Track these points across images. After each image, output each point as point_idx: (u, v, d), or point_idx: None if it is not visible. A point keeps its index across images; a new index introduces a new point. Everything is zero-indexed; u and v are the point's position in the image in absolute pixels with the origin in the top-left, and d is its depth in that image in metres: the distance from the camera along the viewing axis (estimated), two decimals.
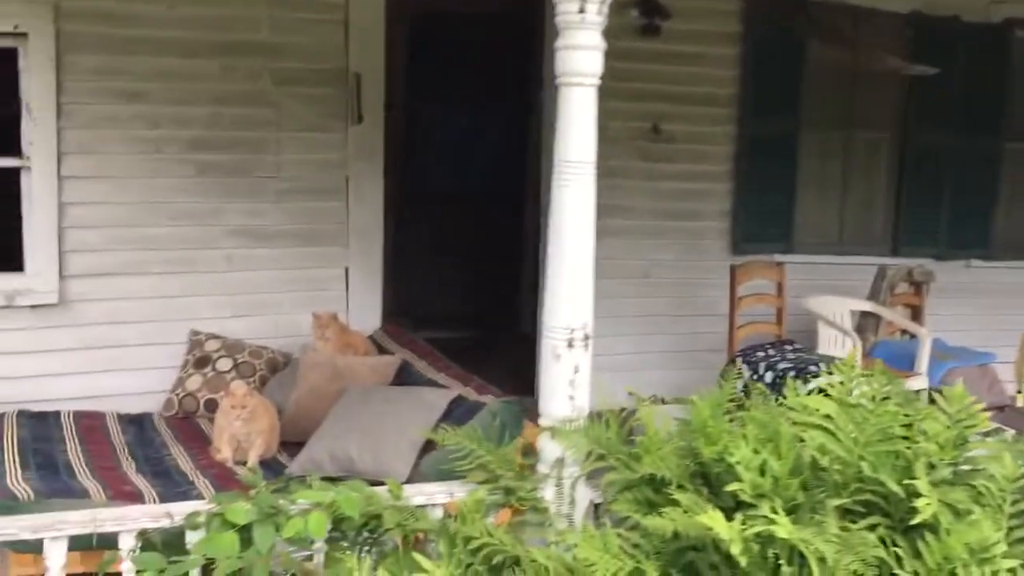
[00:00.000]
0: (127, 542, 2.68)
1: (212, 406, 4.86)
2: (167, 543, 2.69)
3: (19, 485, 3.68)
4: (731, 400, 2.89)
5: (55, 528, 2.59)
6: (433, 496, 3.04)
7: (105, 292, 4.95)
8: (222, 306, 5.16)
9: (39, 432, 4.45)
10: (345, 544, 2.83)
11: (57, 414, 4.70)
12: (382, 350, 5.21)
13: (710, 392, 2.88)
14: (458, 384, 4.57)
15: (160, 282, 5.08)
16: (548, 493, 3.04)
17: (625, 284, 6.12)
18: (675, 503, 2.45)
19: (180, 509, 2.75)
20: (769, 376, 5.19)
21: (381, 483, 3.74)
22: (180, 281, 5.12)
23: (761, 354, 5.42)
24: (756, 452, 2.47)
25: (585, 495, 3.06)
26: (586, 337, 3.04)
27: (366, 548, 2.85)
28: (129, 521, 2.69)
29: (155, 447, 4.51)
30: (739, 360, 5.47)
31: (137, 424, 4.80)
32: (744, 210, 6.22)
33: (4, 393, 4.83)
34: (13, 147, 4.81)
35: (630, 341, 6.13)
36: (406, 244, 7.06)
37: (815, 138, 6.43)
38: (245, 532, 2.72)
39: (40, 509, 3.49)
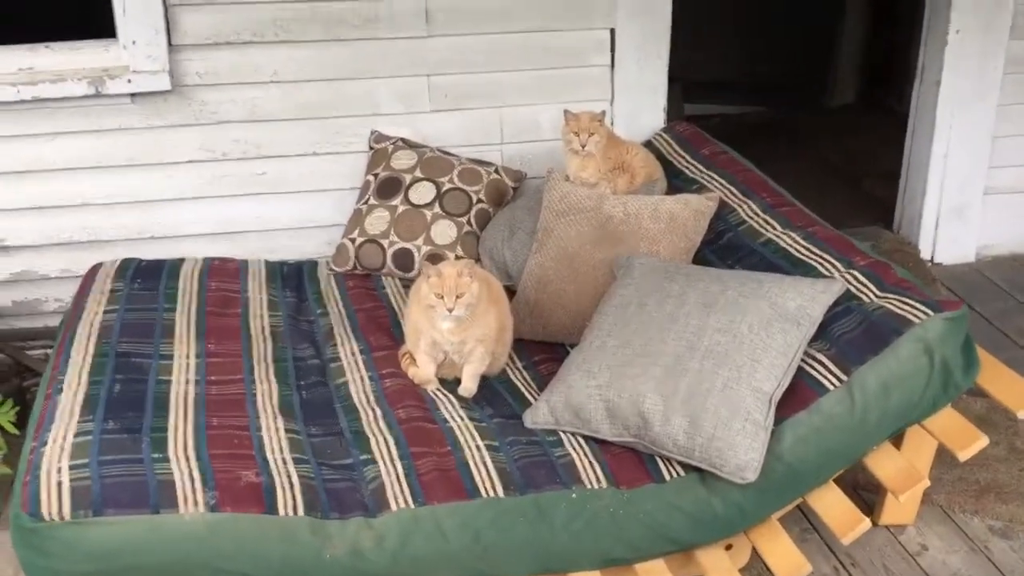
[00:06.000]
0: None
1: (404, 261, 3.14)
2: None
3: (59, 466, 2.01)
4: None
5: None
6: None
7: (239, 72, 3.23)
8: (417, 95, 3.37)
9: (138, 307, 2.83)
10: None
11: (177, 265, 3.12)
12: (673, 175, 3.18)
13: None
14: (831, 257, 2.57)
15: (321, 56, 3.26)
16: None
17: None
18: None
19: None
20: None
21: (698, 469, 2.20)
22: (352, 54, 3.28)
23: None
24: None
25: None
26: None
27: None
28: None
29: (315, 340, 2.83)
30: None
31: (293, 287, 3.13)
32: None
33: (99, 226, 3.32)
34: None
35: None
36: None
37: None
38: None
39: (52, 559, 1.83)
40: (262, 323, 2.85)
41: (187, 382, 2.46)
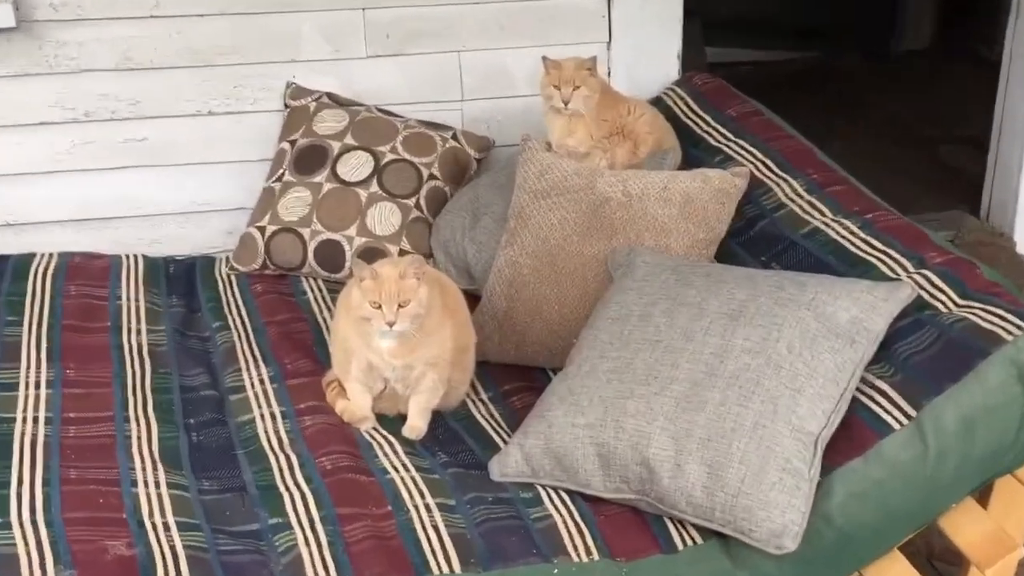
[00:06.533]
0: None
1: (331, 257, 3.23)
2: None
3: None
4: None
5: None
6: None
7: (108, 3, 3.29)
8: (349, 35, 3.46)
9: None
10: None
11: (24, 263, 3.20)
12: (691, 143, 3.26)
13: None
14: (896, 252, 2.63)
15: None
16: None
17: None
18: None
19: None
20: None
21: (720, 534, 2.27)
22: None
23: None
24: None
25: None
26: None
27: None
28: None
29: (210, 364, 2.87)
30: None
31: (182, 292, 3.21)
32: None
33: None
34: None
35: None
36: None
37: None
38: None
39: None
40: (139, 341, 2.89)
41: (35, 421, 2.49)
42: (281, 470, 2.42)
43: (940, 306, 2.42)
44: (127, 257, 3.27)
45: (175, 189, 3.43)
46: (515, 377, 2.82)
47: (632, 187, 2.84)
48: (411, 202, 3.21)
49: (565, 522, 2.29)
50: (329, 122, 3.31)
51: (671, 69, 3.60)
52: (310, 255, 3.18)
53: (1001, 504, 2.40)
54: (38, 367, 2.69)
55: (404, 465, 2.43)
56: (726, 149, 3.14)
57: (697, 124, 3.31)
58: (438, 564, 2.16)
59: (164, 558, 2.11)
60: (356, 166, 3.23)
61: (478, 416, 2.69)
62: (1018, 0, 3.86)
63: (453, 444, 2.56)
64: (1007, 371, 2.25)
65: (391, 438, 2.53)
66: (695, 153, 3.18)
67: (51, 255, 3.21)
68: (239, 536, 2.23)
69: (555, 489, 2.37)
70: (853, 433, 2.28)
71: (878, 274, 2.54)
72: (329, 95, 3.40)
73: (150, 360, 2.80)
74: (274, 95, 3.41)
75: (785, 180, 2.94)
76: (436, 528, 2.24)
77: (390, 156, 3.25)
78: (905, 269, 2.54)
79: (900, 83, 5.49)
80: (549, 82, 3.04)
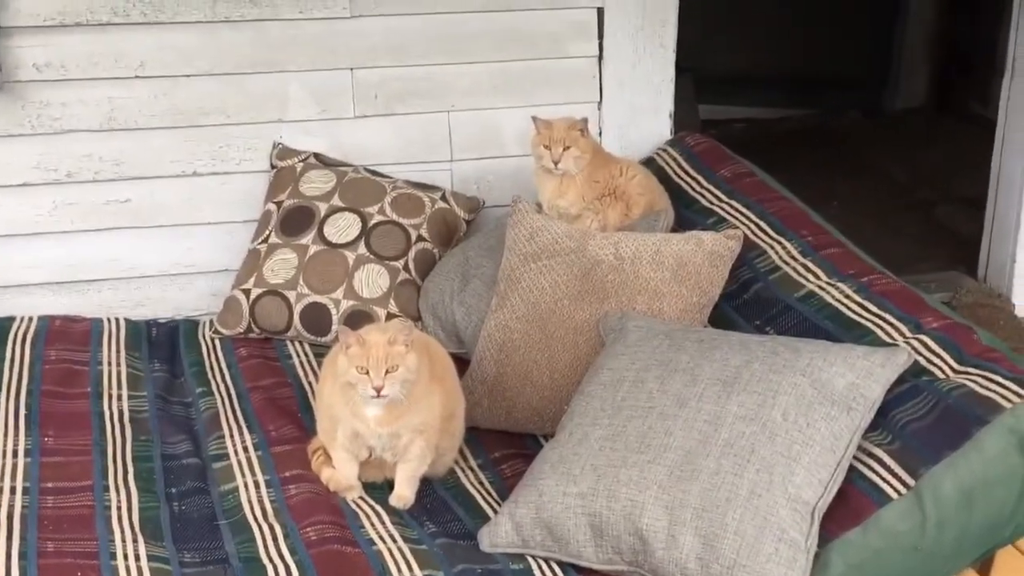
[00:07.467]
0: None
1: (317, 321, 3.23)
2: None
3: None
4: None
5: None
6: None
7: (92, 63, 3.33)
8: (337, 95, 3.50)
9: None
10: None
11: (3, 326, 3.22)
12: (683, 204, 3.29)
13: None
14: (893, 317, 2.64)
15: (205, 43, 3.37)
16: None
17: None
18: None
19: None
20: None
21: None
22: (249, 40, 3.40)
23: None
24: None
25: None
26: None
27: None
28: None
29: (192, 430, 2.86)
30: None
31: (164, 356, 3.21)
32: None
33: None
34: None
35: None
36: None
37: None
38: None
39: None
40: (120, 407, 2.88)
41: (12, 491, 2.47)
42: (265, 541, 2.39)
43: (937, 371, 2.42)
44: (108, 321, 3.27)
45: (159, 251, 3.44)
46: (505, 444, 2.81)
47: (624, 250, 2.85)
48: (399, 264, 3.21)
49: None
50: (316, 183, 3.32)
51: (663, 129, 3.62)
52: (296, 318, 3.18)
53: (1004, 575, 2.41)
54: (15, 434, 2.67)
55: (391, 536, 2.40)
56: (719, 211, 3.15)
57: (690, 185, 3.33)
58: None
59: None
60: (343, 228, 3.24)
61: (467, 484, 2.67)
62: (1012, 58, 3.91)
63: (442, 513, 2.54)
64: (1006, 439, 2.24)
65: (378, 507, 2.51)
66: (688, 215, 3.19)
67: (31, 319, 3.22)
68: None
69: (546, 560, 2.35)
70: (850, 503, 2.27)
71: (874, 339, 2.55)
72: (316, 155, 3.41)
73: (131, 427, 2.79)
74: (260, 155, 3.43)
75: (779, 242, 2.95)
76: None
77: (378, 217, 3.26)
78: (902, 334, 2.54)
79: (896, 141, 5.53)
80: (539, 142, 3.07)
